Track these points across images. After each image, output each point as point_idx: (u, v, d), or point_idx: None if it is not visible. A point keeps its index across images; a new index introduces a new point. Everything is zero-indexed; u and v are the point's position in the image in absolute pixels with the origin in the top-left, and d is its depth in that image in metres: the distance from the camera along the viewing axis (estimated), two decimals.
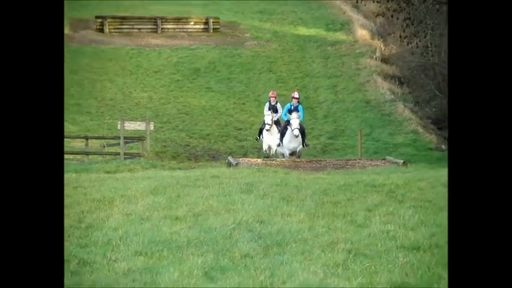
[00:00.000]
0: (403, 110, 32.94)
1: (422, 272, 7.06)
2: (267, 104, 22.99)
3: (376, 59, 39.30)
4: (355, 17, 45.39)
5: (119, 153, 24.79)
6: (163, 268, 7.51)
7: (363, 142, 26.27)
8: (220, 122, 32.25)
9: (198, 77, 37.77)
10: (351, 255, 7.80)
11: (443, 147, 29.17)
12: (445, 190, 11.37)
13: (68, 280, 6.81)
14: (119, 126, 25.54)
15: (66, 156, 22.38)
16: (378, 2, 27.77)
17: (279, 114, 22.74)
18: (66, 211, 7.84)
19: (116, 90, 35.55)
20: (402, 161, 20.62)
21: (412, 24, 32.64)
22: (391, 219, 9.52)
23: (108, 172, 18.13)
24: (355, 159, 22.10)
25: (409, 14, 32.51)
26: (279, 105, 22.84)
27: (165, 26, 43.49)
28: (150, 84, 36.60)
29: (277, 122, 22.68)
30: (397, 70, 38.00)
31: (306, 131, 23.90)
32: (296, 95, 22.66)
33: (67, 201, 9.31)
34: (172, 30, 43.54)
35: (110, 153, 25.74)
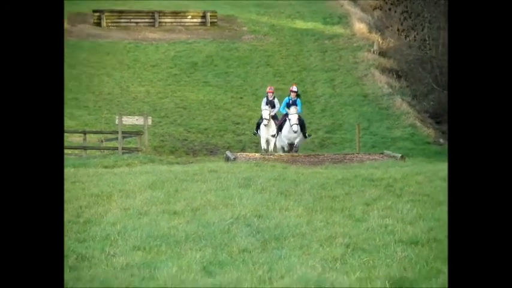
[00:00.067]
0: (400, 104, 32.94)
1: (420, 266, 7.06)
2: (265, 99, 22.94)
3: (373, 52, 39.28)
4: (353, 10, 45.35)
5: (117, 148, 24.78)
6: (162, 263, 7.51)
7: (361, 136, 26.27)
8: (218, 116, 32.23)
9: (196, 71, 37.74)
10: (349, 250, 7.81)
11: (441, 141, 29.19)
12: (443, 184, 11.40)
13: (66, 275, 6.80)
14: (116, 120, 25.52)
15: (64, 151, 22.36)
16: None
17: (276, 109, 22.71)
18: (64, 206, 7.84)
19: (113, 84, 35.52)
20: (400, 155, 20.63)
21: (410, 17, 32.65)
22: (389, 214, 9.52)
23: (106, 167, 18.14)
24: (353, 153, 22.11)
25: (407, 7, 32.51)
26: (276, 101, 22.80)
27: (162, 20, 43.43)
28: (147, 79, 36.57)
29: (274, 117, 22.65)
30: (395, 64, 37.98)
31: (306, 123, 23.85)
32: (294, 88, 22.63)
33: (65, 196, 9.30)
34: (169, 24, 43.49)
35: (108, 148, 25.74)
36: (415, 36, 33.44)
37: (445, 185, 11.19)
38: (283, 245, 8.14)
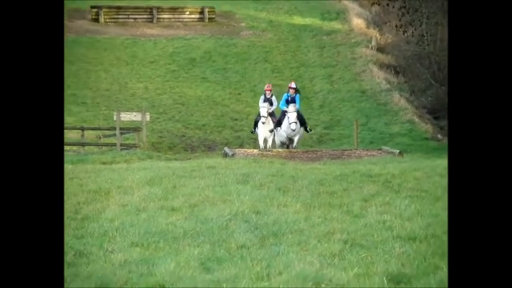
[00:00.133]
0: (398, 100, 32.93)
1: (418, 262, 7.06)
2: (262, 97, 22.89)
3: (371, 48, 39.25)
4: (351, 6, 45.31)
5: (115, 144, 24.77)
6: (160, 259, 7.51)
7: (359, 132, 26.29)
8: (216, 113, 32.22)
9: (194, 67, 37.70)
10: (347, 246, 7.81)
11: (439, 136, 29.20)
12: (441, 180, 11.42)
13: (64, 271, 6.80)
14: (114, 117, 25.51)
15: None
16: None
17: (274, 107, 22.67)
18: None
19: (111, 80, 35.48)
20: (398, 151, 20.64)
21: (408, 13, 32.66)
22: (387, 210, 9.53)
23: (104, 163, 18.14)
24: (351, 149, 22.12)
25: (405, 2, 32.53)
26: (274, 98, 22.73)
27: (160, 16, 43.38)
28: (145, 75, 36.53)
29: (272, 114, 22.59)
30: (393, 59, 37.97)
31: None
32: (293, 85, 22.62)
33: None
34: (167, 20, 43.44)
35: (106, 144, 25.73)
36: (413, 32, 33.45)
37: (443, 180, 11.24)
38: (281, 241, 8.14)
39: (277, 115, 22.55)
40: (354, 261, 7.23)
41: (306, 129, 22.50)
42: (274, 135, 22.52)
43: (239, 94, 34.49)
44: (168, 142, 28.39)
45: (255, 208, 9.68)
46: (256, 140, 24.39)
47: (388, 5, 33.90)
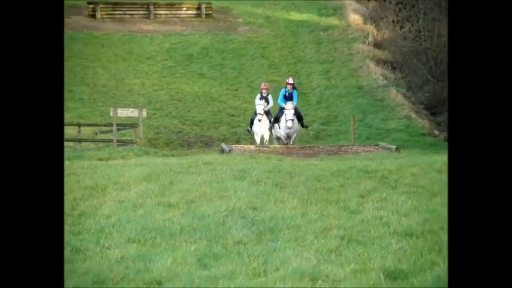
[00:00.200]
0: (395, 96, 32.95)
1: (415, 258, 7.06)
2: (258, 95, 22.89)
3: (368, 44, 39.26)
4: (348, 1, 45.28)
5: (111, 140, 24.75)
6: (157, 255, 7.50)
7: (356, 128, 26.29)
8: (213, 109, 32.21)
9: (191, 63, 37.68)
10: (344, 242, 7.81)
11: (436, 132, 29.22)
12: (438, 176, 11.43)
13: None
14: (111, 113, 25.47)
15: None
16: None
17: (270, 105, 22.68)
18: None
19: (108, 76, 35.45)
20: (395, 147, 20.65)
21: (405, 8, 32.68)
22: (384, 205, 9.53)
23: (100, 159, 18.11)
24: (348, 145, 22.13)
25: None
26: (270, 97, 22.74)
27: (157, 12, 43.34)
28: (142, 71, 36.50)
29: (268, 113, 22.58)
30: (390, 55, 37.98)
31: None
32: (290, 81, 22.67)
33: None
34: (164, 15, 43.41)
35: (103, 140, 25.70)
36: (410, 28, 33.46)
37: (440, 176, 11.25)
38: (278, 237, 8.14)
39: (275, 111, 22.56)
40: (351, 257, 7.23)
41: (302, 125, 22.54)
42: (271, 131, 22.53)
43: (236, 90, 34.48)
44: (165, 138, 28.38)
45: (252, 204, 9.68)
46: (253, 136, 24.39)
47: (385, 0, 33.91)
